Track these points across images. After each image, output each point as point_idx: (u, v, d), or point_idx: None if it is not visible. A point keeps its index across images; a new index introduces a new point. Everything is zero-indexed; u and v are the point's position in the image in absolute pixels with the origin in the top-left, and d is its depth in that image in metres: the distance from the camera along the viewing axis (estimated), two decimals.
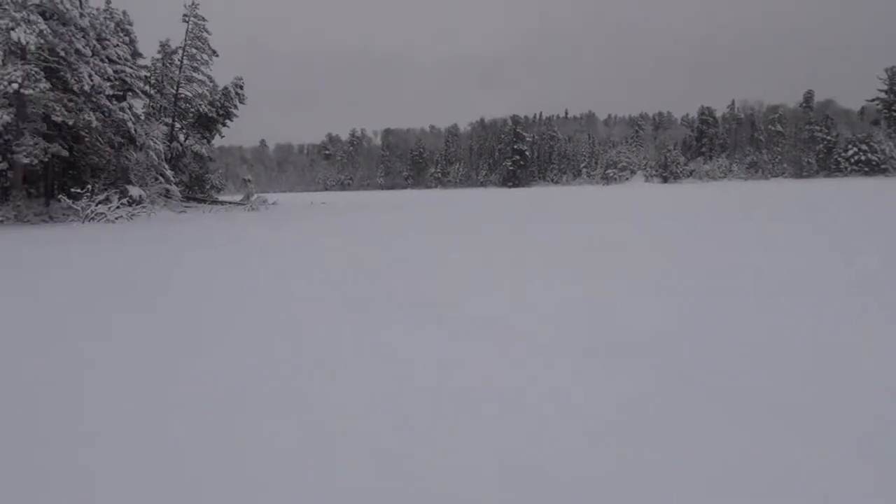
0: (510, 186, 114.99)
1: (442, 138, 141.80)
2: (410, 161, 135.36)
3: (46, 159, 27.55)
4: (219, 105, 43.13)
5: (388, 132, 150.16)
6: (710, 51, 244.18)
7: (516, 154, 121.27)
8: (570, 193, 61.33)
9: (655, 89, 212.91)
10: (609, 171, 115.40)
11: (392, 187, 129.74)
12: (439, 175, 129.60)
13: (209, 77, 42.73)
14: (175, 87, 41.13)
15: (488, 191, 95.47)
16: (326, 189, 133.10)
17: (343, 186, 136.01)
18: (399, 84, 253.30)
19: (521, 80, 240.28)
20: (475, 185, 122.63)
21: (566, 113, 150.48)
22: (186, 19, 41.21)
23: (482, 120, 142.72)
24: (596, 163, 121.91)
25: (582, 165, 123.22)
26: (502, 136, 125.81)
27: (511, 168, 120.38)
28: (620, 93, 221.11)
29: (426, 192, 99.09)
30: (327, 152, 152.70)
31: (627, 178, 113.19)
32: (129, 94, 32.86)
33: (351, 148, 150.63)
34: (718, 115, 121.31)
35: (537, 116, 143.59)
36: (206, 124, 43.00)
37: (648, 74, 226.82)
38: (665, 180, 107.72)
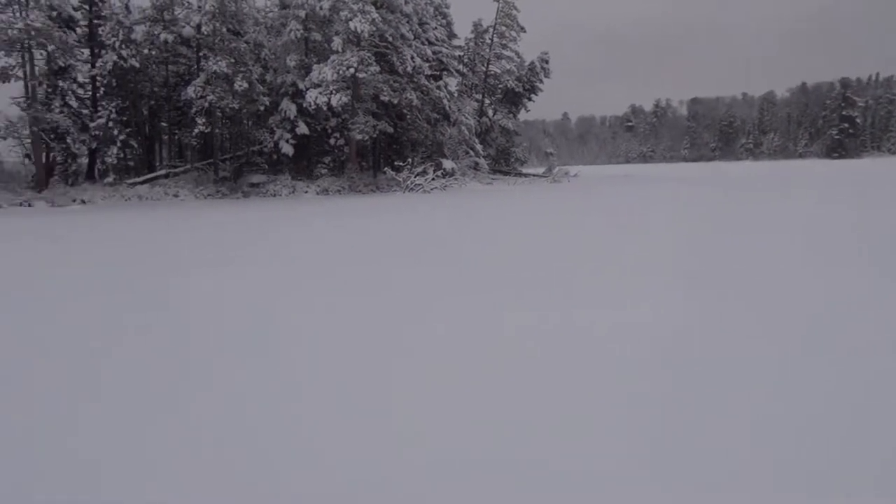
0: (835, 157, 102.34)
1: (755, 107, 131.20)
2: (718, 131, 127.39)
3: (375, 136, 30.77)
4: (525, 80, 44.46)
5: (694, 101, 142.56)
6: None
7: (844, 121, 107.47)
8: None
9: None
10: None
11: (697, 159, 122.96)
12: (751, 146, 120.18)
13: (517, 53, 44.17)
14: (485, 65, 43.21)
15: (819, 163, 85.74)
16: (628, 161, 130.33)
17: (645, 159, 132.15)
18: (708, 50, 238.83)
19: (852, 37, 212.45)
20: (792, 157, 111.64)
21: None
22: None
23: (803, 84, 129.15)
24: None
25: None
26: (827, 101, 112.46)
27: (837, 137, 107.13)
28: None
29: (741, 164, 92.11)
30: (629, 124, 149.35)
31: None
32: (445, 73, 35.33)
33: (654, 119, 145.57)
34: None
35: (872, 78, 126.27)
36: (513, 99, 44.65)
37: None
38: None
